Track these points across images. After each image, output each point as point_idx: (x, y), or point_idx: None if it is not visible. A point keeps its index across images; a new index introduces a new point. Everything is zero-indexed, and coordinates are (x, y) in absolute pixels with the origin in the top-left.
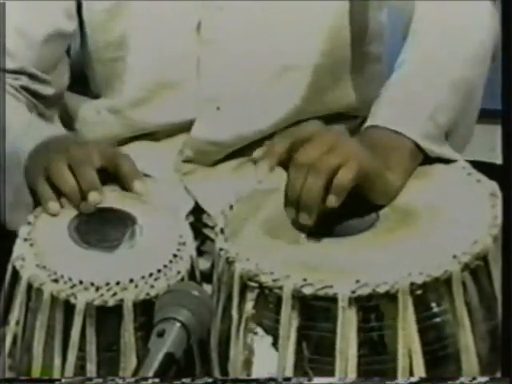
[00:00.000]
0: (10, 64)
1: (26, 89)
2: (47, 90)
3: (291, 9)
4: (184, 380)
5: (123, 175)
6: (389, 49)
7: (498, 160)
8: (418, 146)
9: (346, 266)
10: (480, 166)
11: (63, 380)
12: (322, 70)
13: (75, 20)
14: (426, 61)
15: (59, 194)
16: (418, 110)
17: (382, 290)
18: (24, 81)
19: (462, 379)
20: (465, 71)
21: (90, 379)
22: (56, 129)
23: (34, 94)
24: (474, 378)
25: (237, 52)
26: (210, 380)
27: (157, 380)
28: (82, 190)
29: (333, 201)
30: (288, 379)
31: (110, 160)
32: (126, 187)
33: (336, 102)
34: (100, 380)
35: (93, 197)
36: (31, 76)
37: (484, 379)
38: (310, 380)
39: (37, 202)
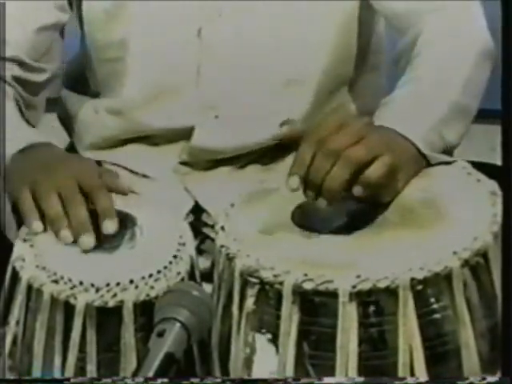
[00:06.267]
0: (3, 52)
1: (16, 79)
2: (39, 77)
3: (296, 21)
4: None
5: (98, 212)
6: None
7: (498, 160)
8: (419, 152)
9: (347, 261)
10: (480, 167)
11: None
12: (324, 86)
13: (68, 11)
14: (429, 82)
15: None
16: (422, 118)
17: (382, 285)
18: (15, 71)
19: (472, 379)
20: (464, 97)
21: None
22: (40, 135)
23: (24, 83)
24: (484, 378)
25: (237, 61)
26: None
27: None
28: (73, 229)
29: (360, 191)
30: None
31: (89, 192)
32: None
33: (334, 114)
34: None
35: (84, 241)
36: (23, 64)
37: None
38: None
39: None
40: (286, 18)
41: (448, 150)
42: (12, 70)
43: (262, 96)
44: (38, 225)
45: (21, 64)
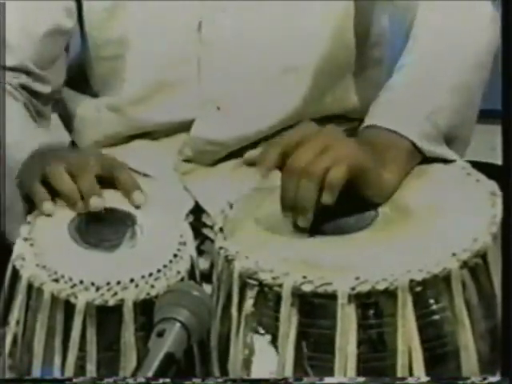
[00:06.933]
0: (9, 60)
1: (24, 87)
2: (45, 88)
3: (293, 10)
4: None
5: (121, 186)
6: (390, 52)
7: (498, 160)
8: (415, 146)
9: (346, 263)
10: (480, 166)
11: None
12: (322, 73)
13: (74, 18)
14: (426, 65)
15: (54, 195)
16: (415, 110)
17: (381, 286)
18: (23, 79)
19: (473, 379)
20: (465, 76)
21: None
22: (51, 136)
23: (32, 92)
24: (484, 379)
25: (237, 52)
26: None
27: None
28: (83, 195)
29: (328, 198)
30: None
31: (107, 169)
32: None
33: (336, 104)
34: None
35: (94, 202)
36: (30, 74)
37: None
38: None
39: (31, 208)
40: (284, 9)
41: (453, 138)
42: (19, 79)
43: (263, 86)
44: (48, 206)
45: (27, 73)
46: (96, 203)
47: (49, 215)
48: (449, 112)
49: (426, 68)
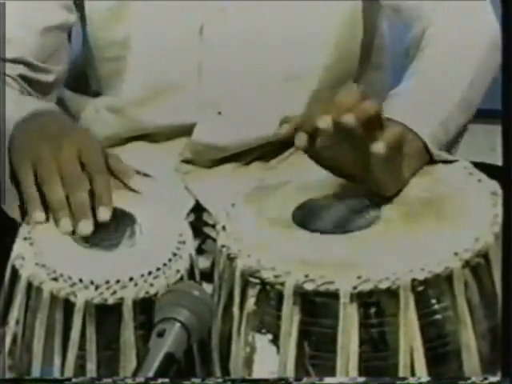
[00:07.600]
0: (8, 53)
1: (23, 77)
2: (46, 78)
3: (298, 18)
4: None
5: (95, 197)
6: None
7: (498, 160)
8: (425, 148)
9: (348, 262)
10: (480, 167)
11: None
12: (325, 82)
13: (75, 12)
14: (437, 75)
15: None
16: (429, 114)
17: (383, 285)
18: (22, 70)
19: (474, 379)
20: (469, 92)
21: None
22: (45, 103)
23: (32, 82)
24: (485, 379)
25: (239, 57)
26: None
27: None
28: (73, 214)
29: (380, 147)
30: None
31: (90, 173)
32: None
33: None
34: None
35: (83, 226)
36: (30, 65)
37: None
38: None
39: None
40: (288, 15)
41: (449, 144)
42: (18, 70)
43: (264, 92)
44: (40, 215)
45: (27, 65)
46: (84, 228)
47: (39, 223)
48: (457, 122)
49: (436, 79)
